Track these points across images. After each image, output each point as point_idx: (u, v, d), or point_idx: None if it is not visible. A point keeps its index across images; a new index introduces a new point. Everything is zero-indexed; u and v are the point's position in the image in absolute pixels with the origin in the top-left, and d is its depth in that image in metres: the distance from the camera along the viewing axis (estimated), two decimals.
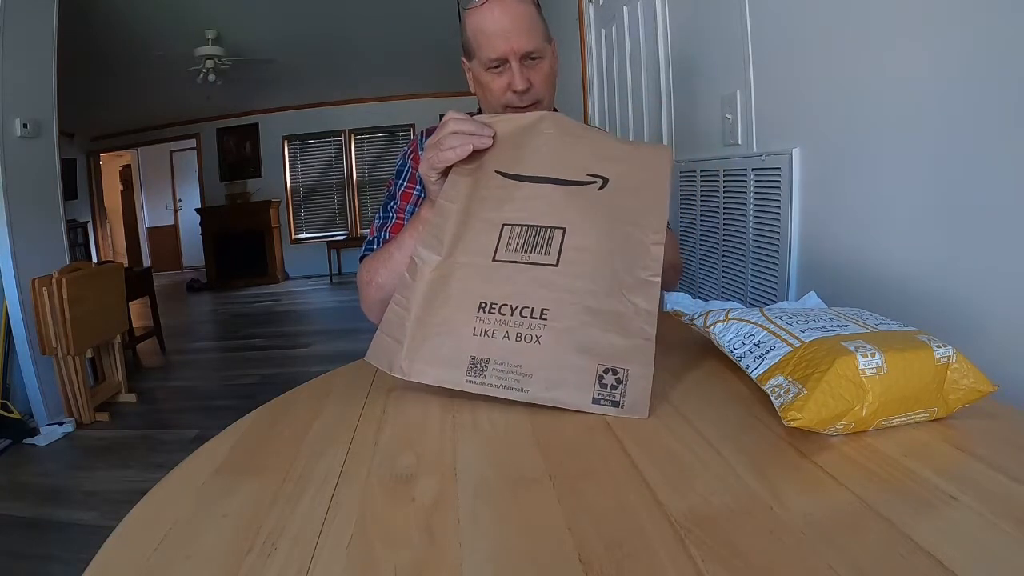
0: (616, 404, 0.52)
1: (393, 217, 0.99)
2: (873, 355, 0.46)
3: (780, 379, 0.49)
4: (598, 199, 0.64)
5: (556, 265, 0.59)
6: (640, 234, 0.60)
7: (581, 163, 0.66)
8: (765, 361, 0.52)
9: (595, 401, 0.53)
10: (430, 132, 1.05)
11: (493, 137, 0.70)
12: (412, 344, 0.59)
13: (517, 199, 0.65)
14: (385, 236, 0.96)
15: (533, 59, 0.90)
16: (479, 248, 0.62)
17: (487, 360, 0.56)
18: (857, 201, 0.94)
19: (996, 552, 0.32)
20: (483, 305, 0.59)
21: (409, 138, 7.42)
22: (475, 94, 0.99)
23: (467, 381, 0.56)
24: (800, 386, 0.46)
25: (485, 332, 0.57)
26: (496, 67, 0.90)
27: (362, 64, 6.09)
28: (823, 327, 0.53)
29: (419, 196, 1.00)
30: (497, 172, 0.68)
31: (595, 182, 0.65)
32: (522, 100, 0.90)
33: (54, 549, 1.73)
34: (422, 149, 1.02)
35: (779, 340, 0.53)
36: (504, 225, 0.63)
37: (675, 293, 0.72)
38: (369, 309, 0.88)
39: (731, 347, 0.58)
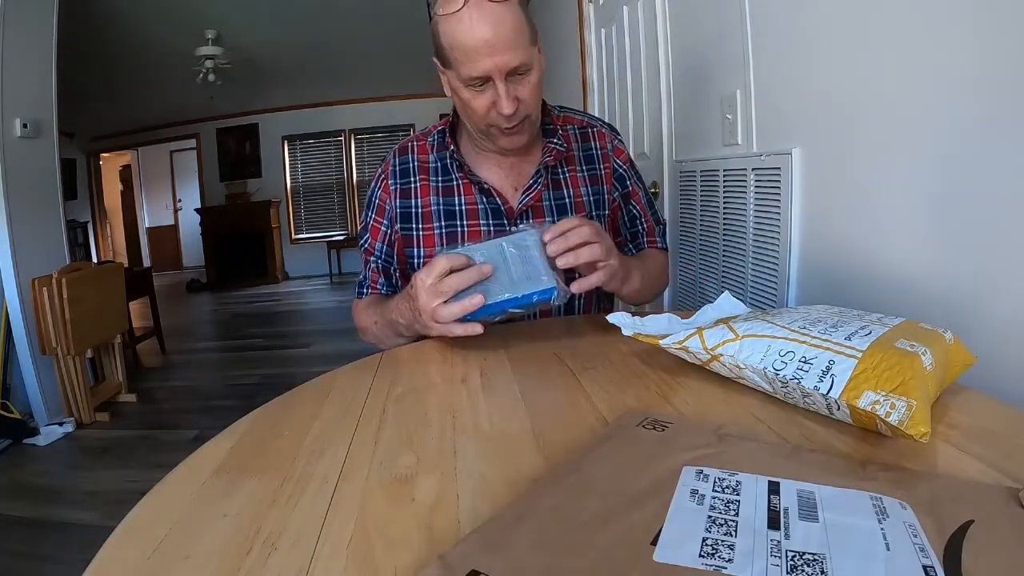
0: None
1: (367, 261, 0.97)
2: (925, 353, 0.46)
3: (873, 395, 0.44)
4: None
5: None
6: None
7: None
8: (836, 377, 0.46)
9: None
10: (402, 151, 0.96)
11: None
12: None
13: None
14: (367, 283, 0.97)
15: (520, 74, 0.78)
16: None
17: None
18: (857, 201, 0.94)
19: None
20: None
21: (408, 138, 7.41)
22: (450, 97, 0.88)
23: None
24: (902, 398, 0.43)
25: None
26: (478, 85, 0.79)
27: (362, 64, 6.08)
28: (854, 330, 0.50)
29: (386, 232, 0.94)
30: None
31: None
32: (509, 122, 0.81)
33: (54, 549, 1.73)
34: (392, 178, 0.94)
35: (831, 353, 0.48)
36: None
37: (618, 313, 0.67)
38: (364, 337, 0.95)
39: (774, 368, 0.51)
